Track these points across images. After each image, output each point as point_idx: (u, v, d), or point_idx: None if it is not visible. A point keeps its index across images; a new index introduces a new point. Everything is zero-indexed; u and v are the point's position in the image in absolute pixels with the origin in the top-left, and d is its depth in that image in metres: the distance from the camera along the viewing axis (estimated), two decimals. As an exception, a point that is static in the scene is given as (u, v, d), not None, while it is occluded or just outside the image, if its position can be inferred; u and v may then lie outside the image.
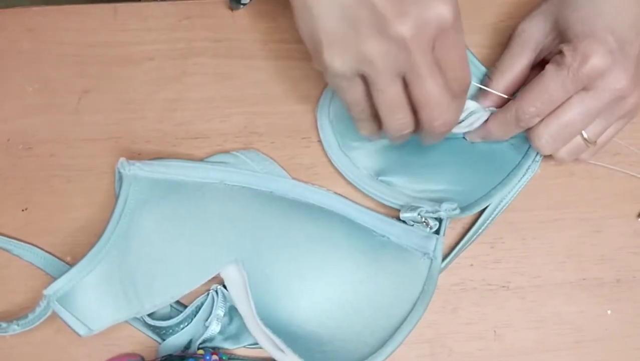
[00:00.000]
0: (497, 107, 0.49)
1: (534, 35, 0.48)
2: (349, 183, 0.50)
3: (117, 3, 0.53)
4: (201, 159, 0.50)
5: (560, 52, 0.45)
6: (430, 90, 0.41)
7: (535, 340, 0.49)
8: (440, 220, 0.48)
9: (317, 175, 0.51)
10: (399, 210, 0.49)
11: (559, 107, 0.45)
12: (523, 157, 0.50)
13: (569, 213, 0.51)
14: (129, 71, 0.52)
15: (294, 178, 0.50)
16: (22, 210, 0.50)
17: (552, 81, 0.44)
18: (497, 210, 0.49)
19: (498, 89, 0.49)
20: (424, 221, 0.48)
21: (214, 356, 0.45)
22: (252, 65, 0.52)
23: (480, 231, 0.49)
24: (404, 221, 0.49)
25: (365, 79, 0.42)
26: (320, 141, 0.51)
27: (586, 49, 0.43)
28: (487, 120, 0.49)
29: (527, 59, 0.49)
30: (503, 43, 0.51)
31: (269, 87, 0.52)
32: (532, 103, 0.45)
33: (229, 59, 0.52)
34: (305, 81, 0.52)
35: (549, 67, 0.45)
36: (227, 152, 0.50)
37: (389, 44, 0.39)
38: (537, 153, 0.49)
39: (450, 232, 0.50)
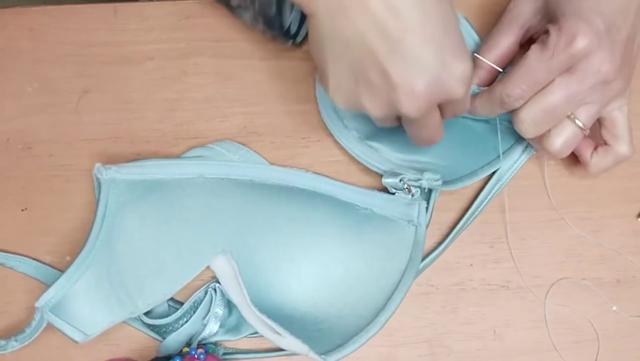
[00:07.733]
0: (484, 85, 0.48)
1: (523, 12, 0.48)
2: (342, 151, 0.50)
3: (117, 3, 0.53)
4: (177, 156, 0.50)
5: (547, 32, 0.44)
6: (415, 133, 0.44)
7: (534, 339, 0.49)
8: (427, 190, 0.49)
9: (317, 175, 0.51)
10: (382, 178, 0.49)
11: (542, 89, 0.44)
12: (516, 141, 0.50)
13: (569, 212, 0.51)
14: (128, 71, 0.52)
15: (272, 164, 0.50)
16: (22, 210, 0.50)
17: (537, 61, 0.43)
18: (496, 188, 0.50)
19: (484, 65, 0.48)
20: (406, 187, 0.48)
21: (199, 350, 0.45)
22: (251, 65, 0.52)
23: (478, 210, 0.50)
24: (387, 192, 0.49)
25: None
26: (319, 140, 0.51)
27: (572, 28, 0.42)
28: (475, 95, 0.48)
29: (514, 36, 0.48)
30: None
31: (268, 87, 0.52)
32: (517, 85, 0.44)
33: (229, 58, 0.52)
34: (304, 81, 0.52)
35: (534, 47, 0.44)
36: (202, 145, 0.50)
37: (390, 110, 0.41)
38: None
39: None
